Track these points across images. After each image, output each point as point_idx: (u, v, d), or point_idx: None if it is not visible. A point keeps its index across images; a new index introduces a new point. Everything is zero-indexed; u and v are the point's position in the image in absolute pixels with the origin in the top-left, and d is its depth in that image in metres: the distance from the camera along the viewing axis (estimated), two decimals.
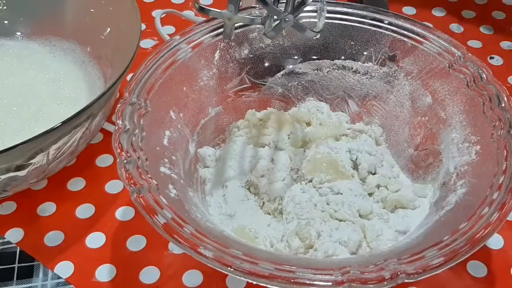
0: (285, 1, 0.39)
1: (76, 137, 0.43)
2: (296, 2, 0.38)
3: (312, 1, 0.37)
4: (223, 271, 0.32)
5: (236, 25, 0.44)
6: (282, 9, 0.39)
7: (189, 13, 0.64)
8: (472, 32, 0.64)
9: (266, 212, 0.43)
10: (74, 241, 0.44)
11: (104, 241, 0.44)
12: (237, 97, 0.50)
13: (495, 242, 0.44)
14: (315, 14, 0.49)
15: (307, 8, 0.43)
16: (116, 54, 0.51)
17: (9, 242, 0.44)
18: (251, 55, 0.50)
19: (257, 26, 0.46)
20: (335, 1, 0.50)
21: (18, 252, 0.44)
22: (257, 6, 0.48)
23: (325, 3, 0.45)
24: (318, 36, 0.48)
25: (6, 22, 0.57)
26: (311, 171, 0.44)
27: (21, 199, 0.47)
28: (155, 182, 0.37)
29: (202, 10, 0.36)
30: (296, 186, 0.44)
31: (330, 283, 0.32)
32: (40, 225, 0.45)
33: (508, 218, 0.35)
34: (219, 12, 0.36)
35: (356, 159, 0.46)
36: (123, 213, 0.46)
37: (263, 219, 0.43)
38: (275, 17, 0.39)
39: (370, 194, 0.44)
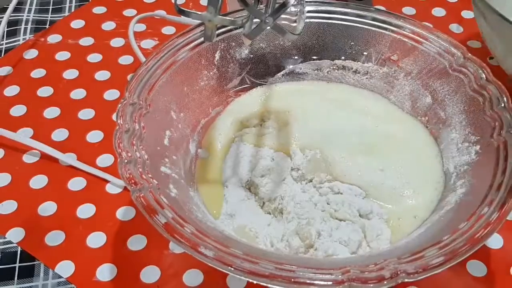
0: (265, 4, 0.39)
1: None
2: (276, 4, 0.38)
3: (293, 4, 0.37)
4: (224, 271, 0.32)
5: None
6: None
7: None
8: (472, 32, 0.64)
9: (266, 212, 0.43)
10: (74, 240, 0.44)
11: (105, 241, 0.44)
12: (238, 97, 0.50)
13: (495, 241, 0.44)
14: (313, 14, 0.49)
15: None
16: None
17: (10, 242, 0.44)
18: (252, 55, 0.50)
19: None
20: (334, 1, 0.50)
21: (19, 252, 0.44)
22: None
23: (305, 6, 0.45)
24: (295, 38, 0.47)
25: None
26: (311, 171, 0.44)
27: (22, 198, 0.47)
28: (156, 182, 0.37)
29: (181, 12, 0.36)
30: (296, 186, 0.44)
31: (331, 283, 0.32)
32: (41, 225, 0.45)
33: (507, 218, 0.35)
34: (199, 14, 0.36)
35: None
36: (123, 212, 0.46)
37: (263, 218, 0.43)
38: (255, 19, 0.39)
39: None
